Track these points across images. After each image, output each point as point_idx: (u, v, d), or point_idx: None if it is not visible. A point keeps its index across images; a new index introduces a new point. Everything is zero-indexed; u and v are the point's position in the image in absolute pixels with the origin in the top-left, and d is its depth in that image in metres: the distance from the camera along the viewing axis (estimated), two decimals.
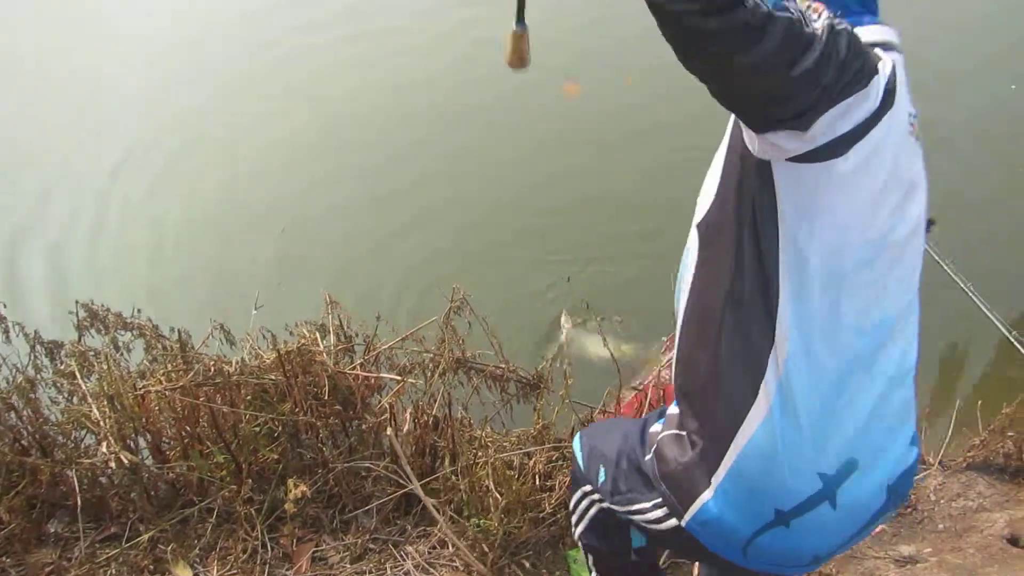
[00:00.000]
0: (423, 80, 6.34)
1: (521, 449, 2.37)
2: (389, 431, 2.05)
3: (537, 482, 2.41)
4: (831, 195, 1.12)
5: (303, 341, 2.38)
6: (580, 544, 1.83)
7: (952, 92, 5.56)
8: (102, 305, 2.81)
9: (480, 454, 2.33)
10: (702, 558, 1.58)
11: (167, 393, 2.20)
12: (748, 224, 1.17)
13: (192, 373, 2.22)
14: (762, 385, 1.21)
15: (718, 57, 0.96)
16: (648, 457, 1.45)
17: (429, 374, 2.56)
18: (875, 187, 1.15)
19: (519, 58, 1.33)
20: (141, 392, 2.19)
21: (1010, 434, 2.68)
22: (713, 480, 1.28)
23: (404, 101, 6.09)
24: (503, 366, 2.89)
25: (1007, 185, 4.99)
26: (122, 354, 2.73)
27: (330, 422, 2.38)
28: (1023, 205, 4.80)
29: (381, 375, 2.41)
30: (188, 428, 2.34)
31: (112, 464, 2.21)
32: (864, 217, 1.16)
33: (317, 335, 2.51)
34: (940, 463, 2.88)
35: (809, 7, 1.00)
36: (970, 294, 2.35)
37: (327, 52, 6.69)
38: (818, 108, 1.01)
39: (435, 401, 2.47)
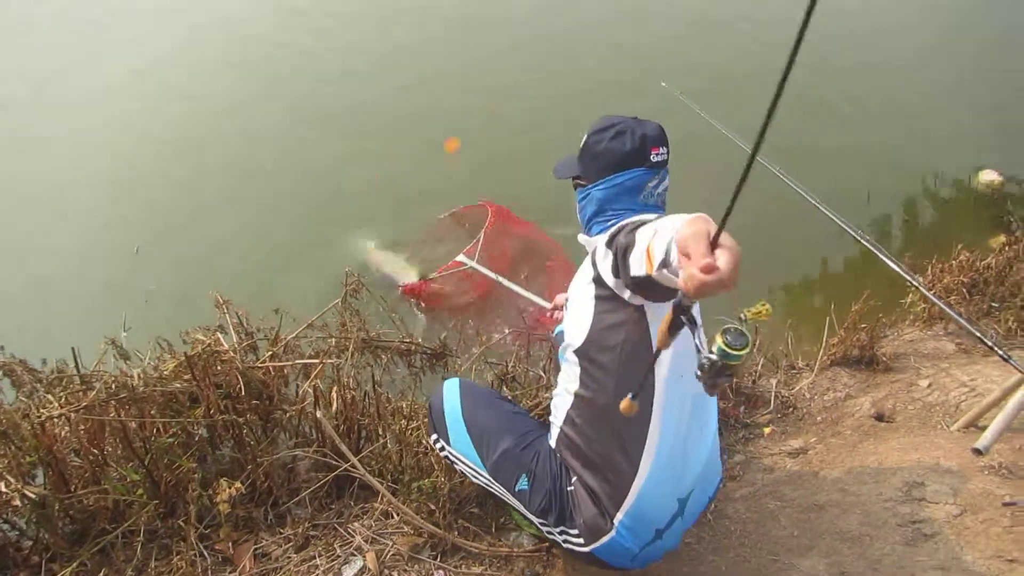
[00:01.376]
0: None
1: None
2: (320, 414, 2.04)
3: None
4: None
5: (208, 342, 2.31)
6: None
7: None
8: None
9: (408, 423, 2.37)
10: (594, 564, 1.96)
11: (71, 416, 2.06)
12: (625, 344, 1.70)
13: (95, 392, 2.10)
14: (645, 449, 1.75)
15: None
16: (570, 489, 1.89)
17: (340, 355, 2.56)
18: None
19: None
20: (43, 420, 2.03)
21: (862, 326, 3.07)
22: (615, 520, 1.80)
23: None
24: (408, 340, 2.95)
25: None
26: None
27: (249, 418, 2.33)
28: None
29: (297, 361, 2.38)
30: (95, 451, 2.20)
31: (17, 502, 2.06)
32: None
33: (219, 335, 2.44)
34: (808, 366, 3.25)
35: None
36: (820, 206, 2.67)
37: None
38: None
39: (357, 383, 2.48)
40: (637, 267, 1.38)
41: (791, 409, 3.02)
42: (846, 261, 4.35)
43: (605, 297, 1.70)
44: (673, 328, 1.24)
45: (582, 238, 1.98)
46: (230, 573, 2.14)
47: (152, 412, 2.28)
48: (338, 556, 2.17)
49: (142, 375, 2.25)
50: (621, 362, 1.70)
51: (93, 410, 2.10)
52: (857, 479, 2.46)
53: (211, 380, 2.30)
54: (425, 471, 2.24)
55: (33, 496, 2.06)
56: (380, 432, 2.41)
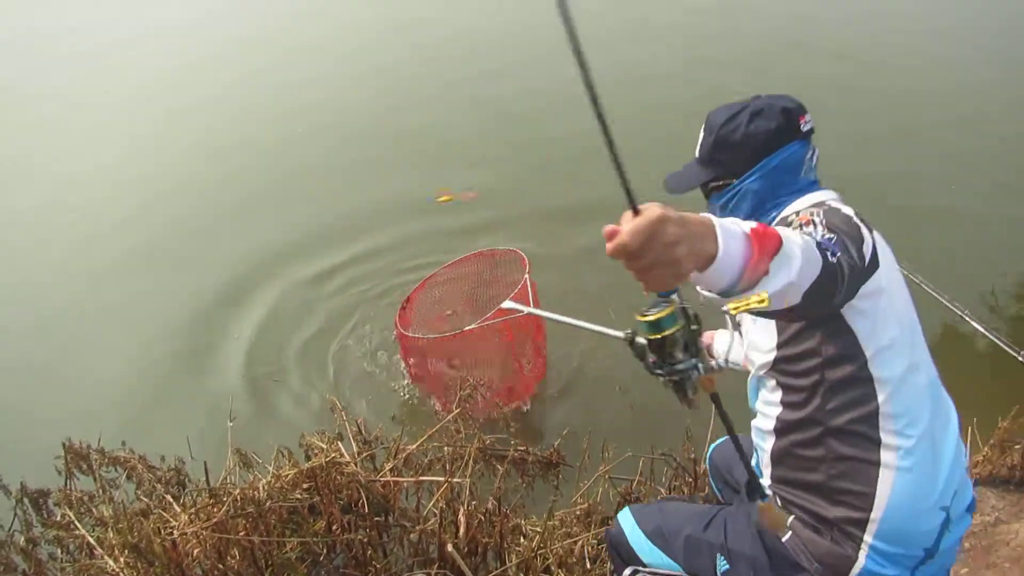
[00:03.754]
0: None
1: (576, 536, 2.32)
2: (451, 547, 1.96)
3: (588, 565, 2.37)
4: (879, 298, 1.47)
5: (334, 453, 2.27)
6: None
7: None
8: (80, 442, 2.64)
9: (533, 543, 2.27)
10: None
11: (202, 533, 2.04)
12: (825, 340, 1.50)
13: (224, 507, 2.07)
14: (882, 452, 1.50)
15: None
16: (786, 539, 1.63)
17: (460, 468, 2.48)
18: (898, 277, 1.57)
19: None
20: (176, 536, 2.01)
21: (1017, 446, 2.82)
22: (863, 545, 1.52)
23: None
24: (522, 448, 2.85)
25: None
26: (111, 493, 2.56)
27: (370, 535, 2.26)
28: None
29: (423, 478, 2.31)
30: (220, 566, 2.17)
31: None
32: (903, 297, 1.56)
33: (339, 445, 2.41)
34: None
35: (807, 222, 1.36)
36: (960, 313, 2.50)
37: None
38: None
39: (474, 497, 2.40)
40: None
41: None
42: (989, 367, 4.00)
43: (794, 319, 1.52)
44: None
45: None
46: None
47: (273, 522, 2.24)
48: None
49: (266, 487, 2.22)
50: (825, 366, 1.52)
51: (223, 527, 2.07)
52: None
53: (334, 494, 2.26)
54: None
55: None
56: (494, 556, 2.31)
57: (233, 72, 8.84)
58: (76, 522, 2.31)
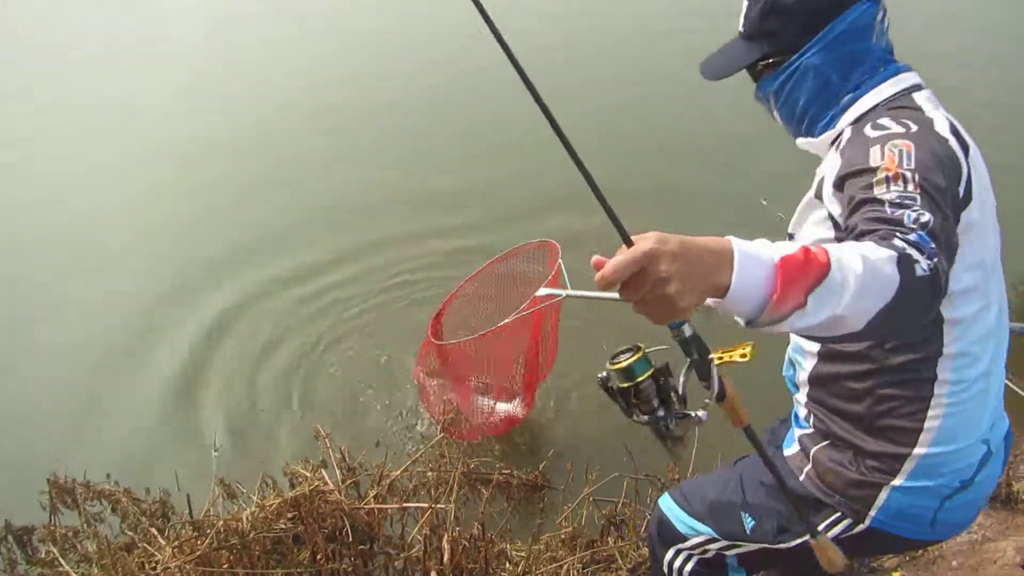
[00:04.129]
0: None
1: (561, 560, 2.32)
2: (435, 575, 1.96)
3: None
4: (968, 235, 1.25)
5: (317, 482, 2.28)
6: None
7: None
8: (65, 476, 2.63)
9: (518, 568, 2.27)
10: (881, 549, 1.62)
11: (185, 567, 2.04)
12: None
13: (208, 540, 2.07)
14: (935, 389, 1.37)
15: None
16: (802, 478, 1.53)
17: (444, 494, 2.49)
18: (989, 196, 1.33)
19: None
20: (159, 571, 2.01)
21: None
22: (897, 477, 1.41)
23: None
24: (507, 471, 2.86)
25: None
26: (96, 528, 2.55)
27: (355, 563, 2.26)
28: None
29: (407, 505, 2.32)
30: None
31: None
32: (991, 222, 1.35)
33: (323, 473, 2.41)
34: None
35: (895, 177, 1.12)
36: None
37: None
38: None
39: (458, 522, 2.40)
40: None
41: (920, 551, 2.77)
42: None
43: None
44: None
45: (804, 142, 1.49)
46: None
47: (257, 553, 2.24)
48: None
49: (250, 518, 2.23)
50: None
51: (206, 560, 2.07)
52: None
53: (318, 523, 2.26)
54: None
55: None
56: None
57: (237, 75, 8.85)
58: (60, 559, 2.31)
